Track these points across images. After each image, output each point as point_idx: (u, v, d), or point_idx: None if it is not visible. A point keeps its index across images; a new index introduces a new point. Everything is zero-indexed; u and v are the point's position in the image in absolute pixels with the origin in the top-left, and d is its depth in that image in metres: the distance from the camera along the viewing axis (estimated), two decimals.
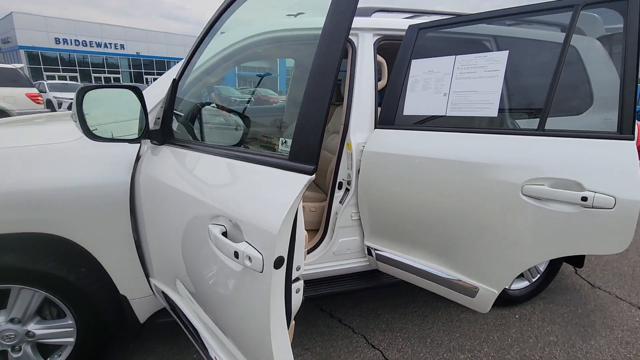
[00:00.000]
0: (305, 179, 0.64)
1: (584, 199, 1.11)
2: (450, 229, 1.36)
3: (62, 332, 1.44)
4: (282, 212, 0.64)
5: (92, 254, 1.35)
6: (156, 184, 1.17)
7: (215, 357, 0.96)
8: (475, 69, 1.39)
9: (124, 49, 30.82)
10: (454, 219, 1.33)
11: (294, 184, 0.66)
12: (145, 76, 32.15)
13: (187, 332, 1.25)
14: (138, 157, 1.36)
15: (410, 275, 1.60)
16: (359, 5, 2.00)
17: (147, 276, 1.45)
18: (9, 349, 1.40)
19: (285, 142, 1.09)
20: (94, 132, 1.12)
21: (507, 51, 1.32)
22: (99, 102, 1.09)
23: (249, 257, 0.69)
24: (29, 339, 1.41)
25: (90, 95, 1.07)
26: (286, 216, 0.63)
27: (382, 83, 1.78)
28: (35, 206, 1.24)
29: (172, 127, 1.25)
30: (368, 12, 1.80)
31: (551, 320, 2.12)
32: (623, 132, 1.09)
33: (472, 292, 1.36)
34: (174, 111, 1.33)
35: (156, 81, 1.42)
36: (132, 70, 31.80)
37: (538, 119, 1.30)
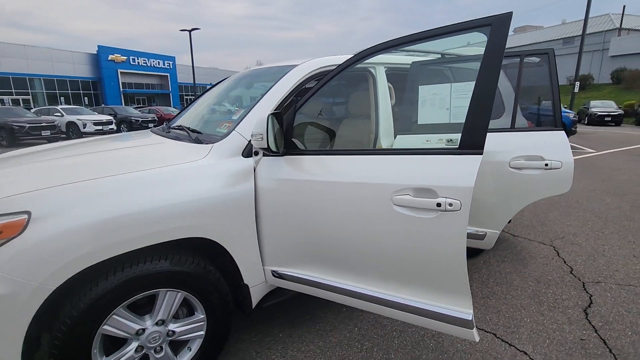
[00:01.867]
0: (479, 157, 1.20)
1: (547, 164, 1.96)
2: None
3: (195, 327, 1.64)
4: (473, 175, 1.18)
5: (227, 251, 1.62)
6: (298, 184, 1.55)
7: (393, 300, 1.40)
8: (466, 92, 2.14)
9: None
10: None
11: (471, 161, 1.20)
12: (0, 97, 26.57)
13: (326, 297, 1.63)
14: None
15: None
16: (370, 45, 2.64)
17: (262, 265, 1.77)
18: (152, 351, 1.55)
19: (450, 140, 1.60)
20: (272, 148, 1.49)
21: None
22: None
23: (450, 204, 1.21)
24: (169, 338, 1.58)
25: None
26: (475, 178, 1.18)
27: (392, 102, 2.42)
28: (191, 215, 1.49)
29: (293, 142, 1.64)
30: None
31: (501, 260, 3.05)
32: (557, 125, 1.97)
33: (481, 236, 2.08)
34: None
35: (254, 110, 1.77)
36: None
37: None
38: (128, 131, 16.16)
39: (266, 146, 1.46)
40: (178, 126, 2.19)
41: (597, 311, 2.31)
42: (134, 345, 1.50)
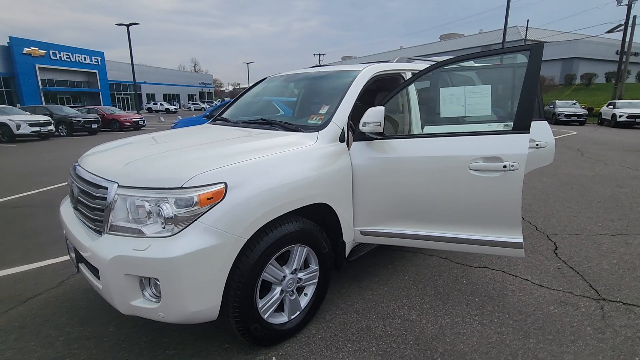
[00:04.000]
0: (528, 135, 1.85)
1: (537, 145, 2.75)
2: None
3: (312, 276, 2.09)
4: (526, 146, 1.83)
5: (336, 213, 2.10)
6: (392, 160, 2.09)
7: (463, 237, 2.02)
8: (476, 93, 2.86)
9: None
10: None
11: (524, 137, 1.84)
12: None
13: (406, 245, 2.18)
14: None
15: None
16: (400, 55, 3.40)
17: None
18: (288, 294, 1.97)
19: (507, 124, 2.21)
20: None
21: (489, 85, 2.84)
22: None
23: (512, 165, 1.84)
24: (297, 285, 2.02)
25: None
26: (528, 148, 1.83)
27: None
28: (320, 185, 1.95)
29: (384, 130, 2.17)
30: (404, 59, 3.04)
31: None
32: (541, 116, 2.78)
33: None
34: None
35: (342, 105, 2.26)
36: None
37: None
38: (68, 133, 14.68)
39: (381, 131, 1.99)
40: (257, 119, 2.58)
41: (562, 251, 3.20)
42: (278, 289, 1.91)
